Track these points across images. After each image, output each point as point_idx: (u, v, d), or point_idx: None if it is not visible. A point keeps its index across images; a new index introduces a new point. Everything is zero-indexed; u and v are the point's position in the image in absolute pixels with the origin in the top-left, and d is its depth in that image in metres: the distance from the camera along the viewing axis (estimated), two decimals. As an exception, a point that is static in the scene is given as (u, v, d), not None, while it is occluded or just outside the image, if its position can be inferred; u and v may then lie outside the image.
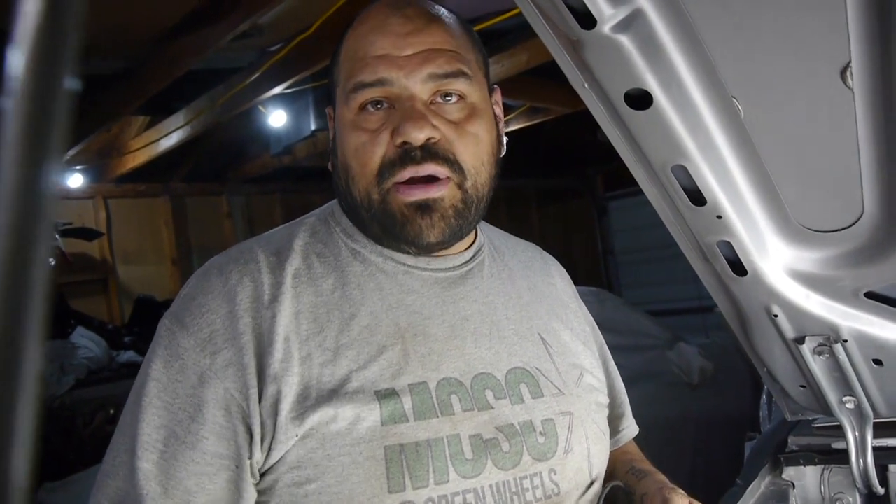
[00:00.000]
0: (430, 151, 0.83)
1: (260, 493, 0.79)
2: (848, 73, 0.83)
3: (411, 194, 0.84)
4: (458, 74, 0.86)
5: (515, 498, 0.82)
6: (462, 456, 0.80)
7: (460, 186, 0.86)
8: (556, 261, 1.14)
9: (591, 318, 1.12)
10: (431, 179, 0.84)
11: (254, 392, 0.78)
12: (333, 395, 0.78)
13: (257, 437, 0.77)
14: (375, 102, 0.85)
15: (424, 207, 0.84)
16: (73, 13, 0.25)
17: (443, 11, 0.91)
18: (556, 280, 1.09)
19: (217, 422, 0.76)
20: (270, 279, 0.84)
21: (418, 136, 0.82)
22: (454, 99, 0.87)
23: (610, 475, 0.99)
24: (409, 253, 0.90)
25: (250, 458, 0.77)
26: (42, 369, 0.26)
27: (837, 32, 0.80)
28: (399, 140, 0.83)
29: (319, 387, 0.79)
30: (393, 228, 0.86)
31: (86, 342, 4.62)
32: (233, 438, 0.77)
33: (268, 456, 0.77)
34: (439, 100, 0.86)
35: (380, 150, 0.84)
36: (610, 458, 1.02)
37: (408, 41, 0.85)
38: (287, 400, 0.77)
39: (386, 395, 0.80)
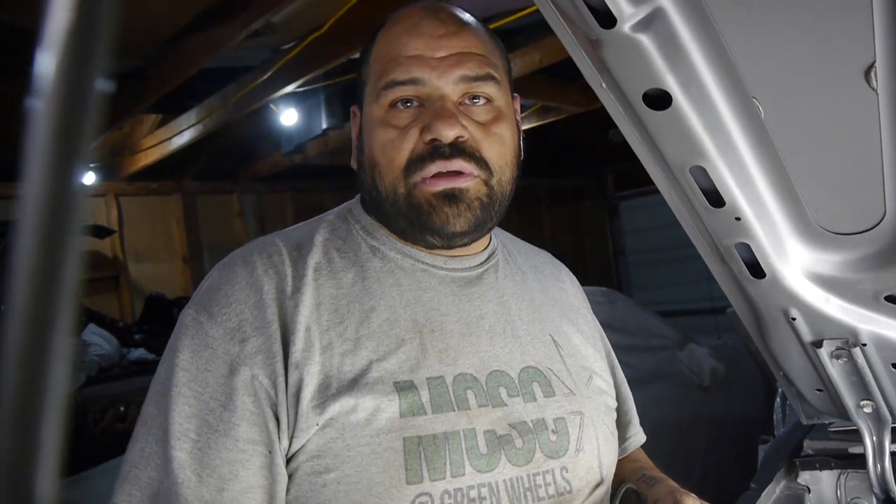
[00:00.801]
0: (458, 149, 0.85)
1: None
2: (872, 74, 0.82)
3: (437, 184, 0.86)
4: (488, 78, 0.89)
5: (528, 494, 0.83)
6: (477, 450, 0.81)
7: (486, 183, 0.88)
8: (566, 267, 1.16)
9: (600, 326, 1.14)
10: (457, 174, 0.86)
11: (282, 380, 0.79)
12: (354, 384, 0.79)
13: (283, 425, 0.78)
14: (405, 101, 0.87)
15: (451, 197, 0.86)
16: (105, 13, 0.25)
17: (473, 19, 0.93)
18: (566, 285, 1.11)
19: (248, 408, 0.77)
20: (293, 271, 0.86)
21: (448, 133, 0.84)
22: (482, 101, 0.89)
23: (620, 483, 1.00)
24: (433, 244, 0.91)
25: (279, 445, 0.78)
26: (70, 372, 0.25)
27: (862, 32, 0.79)
28: (429, 137, 0.85)
29: (340, 376, 0.80)
30: (419, 218, 0.87)
31: (97, 339, 4.64)
32: (264, 424, 0.77)
33: (290, 444, 0.79)
34: (467, 101, 0.89)
35: (408, 146, 0.86)
36: (619, 467, 1.03)
37: (441, 43, 0.87)
38: (308, 388, 0.78)
39: (404, 388, 0.81)
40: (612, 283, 8.10)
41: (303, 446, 0.78)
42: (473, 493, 0.80)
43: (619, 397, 1.09)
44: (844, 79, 0.84)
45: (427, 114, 0.86)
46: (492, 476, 0.81)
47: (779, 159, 0.95)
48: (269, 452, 0.77)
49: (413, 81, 0.86)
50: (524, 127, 1.02)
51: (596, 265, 8.58)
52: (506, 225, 1.12)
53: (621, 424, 1.09)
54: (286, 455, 0.79)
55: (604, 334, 1.13)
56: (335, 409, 0.78)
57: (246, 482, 0.76)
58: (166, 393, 0.79)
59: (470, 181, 0.86)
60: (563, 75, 4.73)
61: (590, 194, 8.95)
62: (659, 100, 0.89)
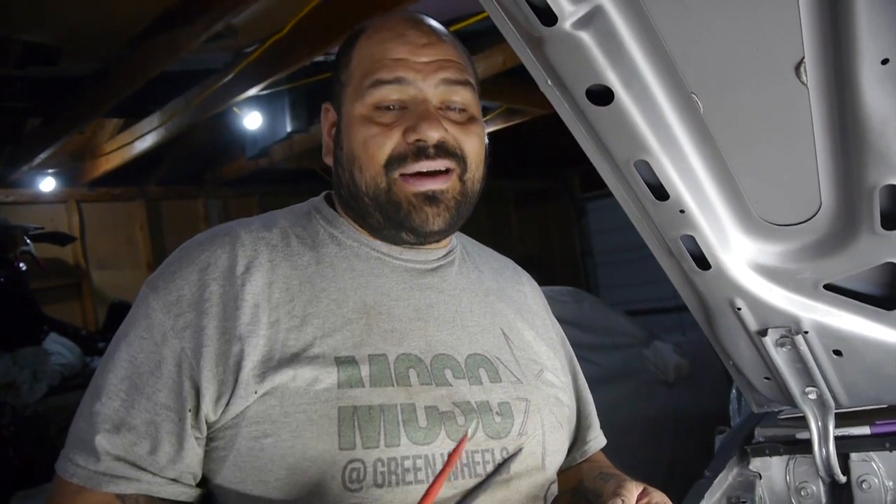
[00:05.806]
0: (441, 149, 0.91)
1: (220, 447, 0.84)
2: (802, 69, 0.85)
3: (420, 184, 0.91)
4: (466, 83, 0.95)
5: (466, 470, 0.85)
6: (415, 423, 0.84)
7: (461, 178, 0.94)
8: (528, 275, 1.19)
9: (562, 331, 1.16)
10: (438, 173, 0.91)
11: (207, 351, 0.83)
12: (295, 358, 0.84)
13: (208, 395, 0.82)
14: (388, 106, 0.92)
15: (432, 198, 0.91)
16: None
17: (449, 32, 1.00)
18: (525, 289, 1.13)
19: (171, 377, 0.83)
20: (248, 251, 0.90)
21: (433, 135, 0.90)
22: (457, 108, 0.95)
23: (579, 484, 1.02)
24: (406, 241, 0.95)
25: (197, 413, 0.83)
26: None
27: (791, 29, 0.82)
28: (413, 137, 0.90)
29: (284, 350, 0.84)
30: (397, 215, 0.92)
31: (59, 348, 4.54)
32: (179, 392, 0.83)
33: (225, 411, 0.83)
34: (444, 108, 0.94)
35: (390, 144, 0.91)
36: (578, 468, 1.06)
37: (424, 51, 0.93)
38: (250, 359, 0.83)
39: (345, 362, 0.85)
40: (579, 283, 8.17)
41: (242, 412, 0.82)
42: (408, 464, 0.82)
43: (579, 401, 1.11)
44: (777, 74, 0.87)
45: (410, 116, 0.91)
46: (429, 449, 0.84)
47: (719, 153, 0.99)
48: (179, 420, 0.83)
49: (398, 80, 0.91)
50: (490, 129, 1.07)
51: (564, 265, 8.66)
52: (476, 227, 1.14)
53: (582, 428, 1.11)
54: (222, 422, 0.83)
55: (566, 340, 1.15)
56: (276, 379, 0.82)
57: (156, 442, 0.82)
58: (109, 357, 0.87)
59: (448, 181, 0.92)
60: (527, 77, 4.76)
61: (557, 196, 9.03)
62: (602, 96, 0.92)
